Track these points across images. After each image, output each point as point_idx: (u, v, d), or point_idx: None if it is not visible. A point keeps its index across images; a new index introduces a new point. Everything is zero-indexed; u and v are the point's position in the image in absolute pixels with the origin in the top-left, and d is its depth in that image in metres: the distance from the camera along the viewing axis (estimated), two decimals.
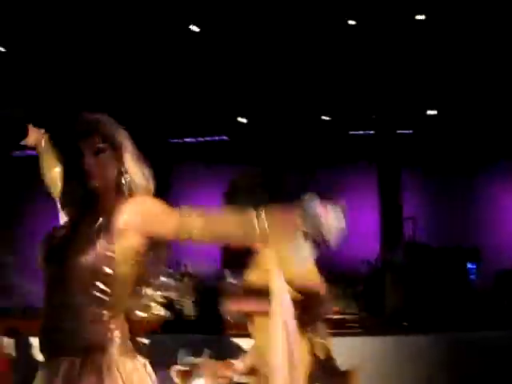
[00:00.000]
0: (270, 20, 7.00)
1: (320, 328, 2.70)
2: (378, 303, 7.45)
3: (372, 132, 9.97)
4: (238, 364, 2.79)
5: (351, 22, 7.24)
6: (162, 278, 8.85)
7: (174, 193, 10.71)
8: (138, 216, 2.02)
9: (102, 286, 1.96)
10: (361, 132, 10.24)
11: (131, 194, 2.08)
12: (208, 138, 10.42)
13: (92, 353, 1.93)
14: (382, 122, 9.54)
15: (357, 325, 6.58)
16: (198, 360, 2.91)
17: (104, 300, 1.96)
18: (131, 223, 2.00)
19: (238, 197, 2.83)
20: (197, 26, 7.14)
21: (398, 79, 8.44)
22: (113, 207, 2.03)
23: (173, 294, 8.13)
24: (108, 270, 1.96)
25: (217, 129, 10.11)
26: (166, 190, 10.58)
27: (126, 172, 2.11)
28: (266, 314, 2.47)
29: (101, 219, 2.00)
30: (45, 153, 2.78)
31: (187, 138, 10.36)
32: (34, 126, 2.75)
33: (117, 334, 1.98)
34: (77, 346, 1.94)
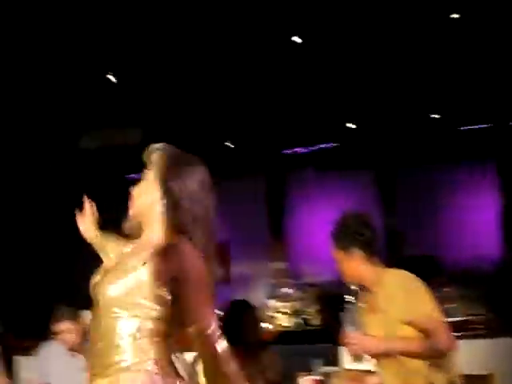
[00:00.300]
0: (370, 25, 6.97)
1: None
2: (504, 303, 7.22)
3: (486, 126, 9.70)
4: (371, 379, 2.80)
5: (454, 16, 7.08)
6: (286, 289, 8.96)
7: (288, 202, 10.83)
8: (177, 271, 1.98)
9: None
10: (475, 127, 9.95)
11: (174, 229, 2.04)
12: (318, 146, 10.46)
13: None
14: (497, 116, 9.26)
15: (482, 326, 6.41)
16: (331, 369, 2.94)
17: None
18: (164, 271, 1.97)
19: (345, 235, 2.84)
20: (299, 36, 7.20)
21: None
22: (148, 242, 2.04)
23: (297, 304, 8.22)
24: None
25: (326, 136, 10.13)
26: (280, 200, 10.70)
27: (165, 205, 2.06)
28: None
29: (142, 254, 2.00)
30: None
31: (298, 147, 10.45)
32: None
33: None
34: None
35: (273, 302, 8.50)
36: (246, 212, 10.58)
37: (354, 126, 9.65)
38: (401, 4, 6.60)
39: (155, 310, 1.95)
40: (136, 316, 1.96)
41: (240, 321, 3.84)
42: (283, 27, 6.98)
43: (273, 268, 10.30)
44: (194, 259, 2.01)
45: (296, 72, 7.81)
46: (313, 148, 10.46)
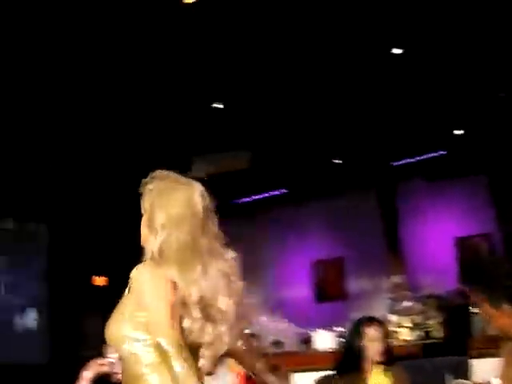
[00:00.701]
0: (463, 35, 6.87)
1: None
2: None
3: None
4: None
5: None
6: (406, 303, 8.81)
7: (401, 214, 10.69)
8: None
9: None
10: None
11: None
12: (426, 155, 10.30)
13: None
14: None
15: None
16: (466, 382, 2.90)
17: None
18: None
19: (494, 290, 2.71)
20: (399, 47, 7.17)
21: None
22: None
23: (418, 318, 8.08)
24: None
25: (434, 144, 9.96)
26: (393, 212, 10.58)
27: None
28: None
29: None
30: None
31: (407, 158, 10.33)
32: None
33: None
34: None
35: (394, 317, 8.39)
36: (359, 227, 10.54)
37: (461, 132, 9.45)
38: None
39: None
40: None
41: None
42: (383, 39, 6.98)
43: (391, 282, 10.19)
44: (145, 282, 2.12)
45: (399, 83, 7.77)
46: (421, 157, 10.31)
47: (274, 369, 4.82)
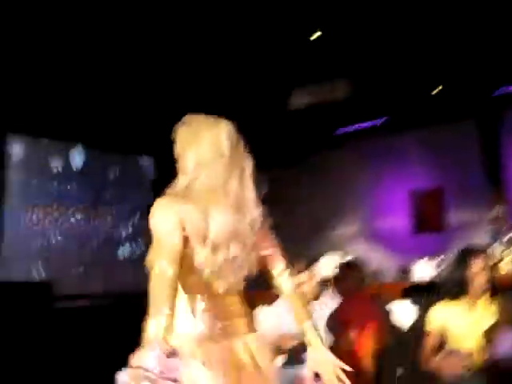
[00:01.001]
0: None
1: None
2: None
3: None
4: None
5: None
6: (509, 234, 8.65)
7: (502, 145, 10.39)
8: None
9: None
10: None
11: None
12: None
13: None
14: None
15: None
16: None
17: None
18: None
19: None
20: None
21: None
22: None
23: None
24: None
25: None
26: (494, 143, 10.29)
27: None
28: None
29: None
30: None
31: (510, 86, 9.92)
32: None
33: None
34: None
35: (496, 248, 8.28)
36: (459, 157, 10.34)
37: None
38: None
39: None
40: None
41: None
42: None
43: (492, 213, 9.99)
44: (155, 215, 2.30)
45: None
46: None
47: (374, 297, 4.93)
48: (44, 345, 6.85)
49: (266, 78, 8.37)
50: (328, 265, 5.87)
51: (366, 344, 4.06)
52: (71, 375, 7.14)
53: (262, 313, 4.63)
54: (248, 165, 2.44)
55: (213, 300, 2.35)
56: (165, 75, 8.20)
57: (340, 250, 10.31)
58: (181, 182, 2.38)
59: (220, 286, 2.33)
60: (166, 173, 9.38)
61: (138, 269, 9.85)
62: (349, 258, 7.38)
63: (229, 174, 2.35)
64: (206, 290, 2.34)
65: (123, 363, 2.11)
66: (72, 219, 9.93)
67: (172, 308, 2.17)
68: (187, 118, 2.46)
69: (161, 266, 2.27)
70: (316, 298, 4.70)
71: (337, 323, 4.35)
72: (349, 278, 4.45)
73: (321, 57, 8.09)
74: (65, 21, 6.76)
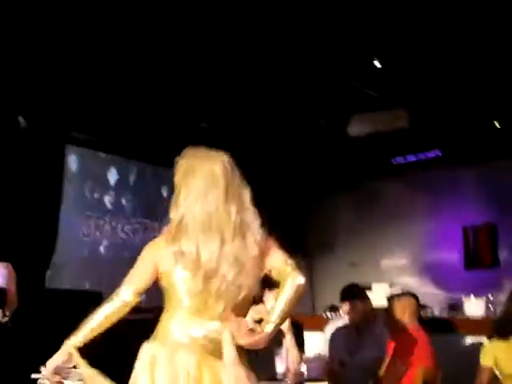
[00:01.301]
0: None
1: None
2: None
3: None
4: None
5: None
6: None
7: None
8: None
9: None
10: None
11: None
12: None
13: None
14: None
15: None
16: None
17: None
18: None
19: None
20: None
21: None
22: None
23: None
24: None
25: None
26: None
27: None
28: None
29: None
30: None
31: None
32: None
33: None
34: None
35: None
36: None
37: None
38: None
39: None
40: None
41: None
42: None
43: None
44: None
45: None
46: None
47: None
48: (93, 353, 6.89)
49: (326, 104, 8.38)
50: (378, 294, 5.83)
51: (415, 377, 3.99)
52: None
53: (310, 338, 4.61)
54: (245, 193, 2.58)
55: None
56: (214, 93, 8.28)
57: (388, 281, 10.21)
58: (174, 217, 2.52)
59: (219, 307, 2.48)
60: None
61: None
62: (397, 289, 7.30)
63: (224, 205, 2.44)
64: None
65: None
66: (124, 232, 10.07)
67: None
68: (186, 152, 2.58)
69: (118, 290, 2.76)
70: (365, 325, 4.66)
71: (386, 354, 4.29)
72: (400, 310, 4.39)
73: (381, 85, 8.08)
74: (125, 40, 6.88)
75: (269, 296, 3.38)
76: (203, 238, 2.40)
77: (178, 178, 2.53)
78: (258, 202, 9.82)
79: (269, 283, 2.61)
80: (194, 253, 2.41)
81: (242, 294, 2.48)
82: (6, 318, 4.83)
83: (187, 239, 2.44)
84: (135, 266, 2.81)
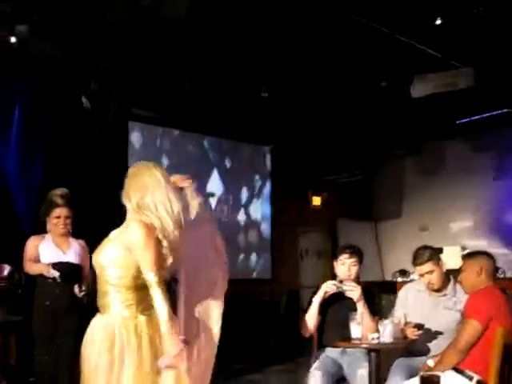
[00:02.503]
0: None
1: None
2: None
3: None
4: None
5: None
6: None
7: None
8: None
9: None
10: None
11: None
12: None
13: None
14: None
15: None
16: None
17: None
18: None
19: None
20: None
21: None
22: None
23: None
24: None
25: None
26: None
27: None
28: None
29: None
30: None
31: None
32: None
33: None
34: None
35: None
36: None
37: None
38: None
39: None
40: None
41: None
42: None
43: None
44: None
45: None
46: None
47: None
48: None
49: (388, 65, 8.24)
50: (450, 257, 5.74)
51: (495, 338, 3.90)
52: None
53: (384, 303, 4.59)
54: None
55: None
56: (274, 61, 8.22)
57: (458, 244, 10.06)
58: (130, 205, 3.27)
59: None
60: (282, 161, 9.54)
61: (259, 255, 10.09)
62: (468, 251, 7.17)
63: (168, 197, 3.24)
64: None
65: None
66: None
67: None
68: (130, 170, 3.36)
69: None
70: (442, 288, 4.60)
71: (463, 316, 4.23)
72: (476, 269, 4.30)
73: (444, 44, 7.88)
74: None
75: None
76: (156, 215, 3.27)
77: (127, 184, 3.33)
78: (324, 168, 9.87)
79: None
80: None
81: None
82: (83, 293, 4.98)
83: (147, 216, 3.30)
84: None
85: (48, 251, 5.05)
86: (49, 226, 5.12)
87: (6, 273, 5.93)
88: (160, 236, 3.15)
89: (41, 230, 5.17)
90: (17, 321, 5.76)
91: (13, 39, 6.69)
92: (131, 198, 3.24)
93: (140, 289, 3.10)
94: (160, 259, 3.11)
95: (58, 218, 5.05)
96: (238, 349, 9.27)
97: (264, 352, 9.73)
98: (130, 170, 3.35)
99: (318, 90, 9.00)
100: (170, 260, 3.19)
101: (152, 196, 3.19)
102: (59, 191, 5.06)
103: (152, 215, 3.17)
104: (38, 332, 4.99)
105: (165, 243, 3.16)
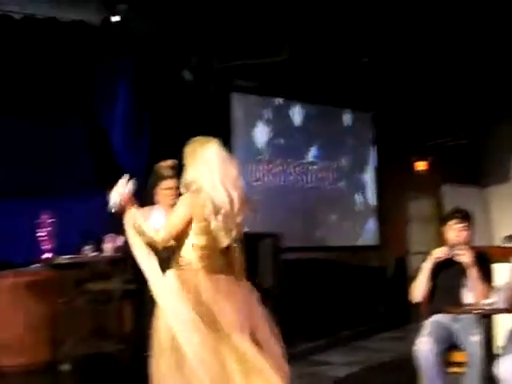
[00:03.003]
0: None
1: None
2: None
3: None
4: None
5: None
6: None
7: None
8: None
9: None
10: None
11: None
12: None
13: None
14: None
15: None
16: None
17: None
18: None
19: None
20: None
21: None
22: None
23: None
24: None
25: None
26: None
27: None
28: None
29: None
30: None
31: None
32: None
33: None
34: None
35: None
36: None
37: None
38: None
39: None
40: None
41: None
42: None
43: None
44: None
45: None
46: None
47: None
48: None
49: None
50: None
51: None
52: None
53: (498, 268, 4.46)
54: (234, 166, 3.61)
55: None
56: (374, 27, 8.06)
57: None
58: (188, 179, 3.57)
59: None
60: (385, 127, 9.39)
61: (365, 222, 10.01)
62: None
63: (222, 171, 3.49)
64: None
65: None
66: (293, 174, 10.20)
67: None
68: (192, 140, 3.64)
69: None
70: None
71: None
72: None
73: None
74: None
75: None
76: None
77: (186, 159, 3.64)
78: (429, 133, 9.59)
79: None
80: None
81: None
82: None
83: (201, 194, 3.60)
84: None
85: (158, 222, 5.17)
86: (157, 198, 5.25)
87: (120, 242, 6.12)
88: (211, 211, 3.42)
89: (149, 201, 5.30)
90: (133, 289, 5.94)
91: (114, 18, 6.87)
92: (191, 172, 3.50)
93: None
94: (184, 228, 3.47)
95: (167, 189, 5.15)
96: (347, 316, 9.30)
97: (373, 319, 9.71)
98: (191, 146, 3.59)
99: (420, 51, 8.76)
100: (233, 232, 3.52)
101: (211, 172, 3.43)
102: (167, 163, 5.15)
103: (206, 190, 3.43)
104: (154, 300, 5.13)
105: (219, 217, 3.43)
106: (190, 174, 3.53)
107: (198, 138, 3.65)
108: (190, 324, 3.30)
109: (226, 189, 3.42)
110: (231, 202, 3.44)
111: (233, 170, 3.53)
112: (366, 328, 9.20)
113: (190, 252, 3.48)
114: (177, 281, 3.45)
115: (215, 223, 3.43)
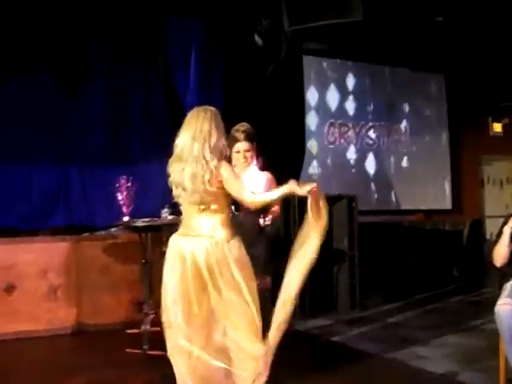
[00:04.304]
0: None
1: None
2: None
3: None
4: None
5: None
6: None
7: None
8: None
9: None
10: None
11: None
12: None
13: None
14: None
15: None
16: None
17: None
18: None
19: None
20: None
21: None
22: None
23: None
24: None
25: None
26: None
27: None
28: None
29: None
30: None
31: None
32: None
33: None
34: None
35: None
36: None
37: None
38: None
39: None
40: None
41: None
42: None
43: None
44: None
45: None
46: None
47: None
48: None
49: None
50: None
51: None
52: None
53: None
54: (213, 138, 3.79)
55: None
56: None
57: None
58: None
59: None
60: (459, 88, 9.14)
61: (438, 185, 9.81)
62: None
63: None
64: None
65: None
66: (368, 137, 10.15)
67: None
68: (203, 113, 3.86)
69: None
70: None
71: None
72: None
73: None
74: None
75: None
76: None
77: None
78: (504, 94, 9.20)
79: None
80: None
81: (198, 199, 3.63)
82: (267, 223, 5.14)
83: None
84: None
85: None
86: (233, 161, 5.30)
87: None
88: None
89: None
90: None
91: None
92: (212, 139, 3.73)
93: None
94: None
95: (238, 152, 5.19)
96: (421, 279, 9.24)
97: (448, 282, 9.62)
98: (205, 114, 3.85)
99: (495, 9, 8.47)
100: None
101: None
102: (239, 126, 5.18)
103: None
104: None
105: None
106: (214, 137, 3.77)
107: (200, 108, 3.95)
108: None
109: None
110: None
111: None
112: (440, 291, 9.13)
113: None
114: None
115: None
